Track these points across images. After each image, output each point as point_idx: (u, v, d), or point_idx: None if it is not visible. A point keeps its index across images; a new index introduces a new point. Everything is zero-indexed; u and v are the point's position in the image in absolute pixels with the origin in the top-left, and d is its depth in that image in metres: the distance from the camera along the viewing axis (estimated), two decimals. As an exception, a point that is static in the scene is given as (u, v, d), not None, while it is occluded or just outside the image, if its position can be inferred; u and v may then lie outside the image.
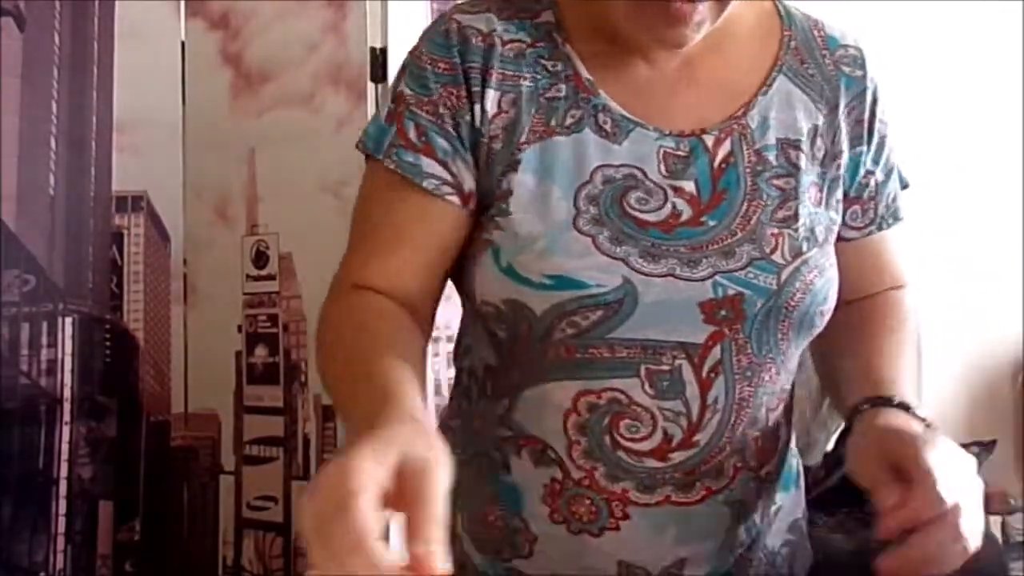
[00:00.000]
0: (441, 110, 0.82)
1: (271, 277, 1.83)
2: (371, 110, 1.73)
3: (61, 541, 1.66)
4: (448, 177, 0.82)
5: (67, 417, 1.68)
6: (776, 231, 0.82)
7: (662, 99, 0.85)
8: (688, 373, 0.81)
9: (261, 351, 1.84)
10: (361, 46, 1.74)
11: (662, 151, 0.83)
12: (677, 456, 0.82)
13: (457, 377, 0.94)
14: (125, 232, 1.81)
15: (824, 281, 0.84)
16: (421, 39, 0.86)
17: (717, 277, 0.80)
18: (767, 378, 0.84)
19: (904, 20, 2.86)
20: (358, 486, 0.55)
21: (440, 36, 0.84)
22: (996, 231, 2.92)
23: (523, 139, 0.82)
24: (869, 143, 0.90)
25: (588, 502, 0.84)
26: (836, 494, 2.53)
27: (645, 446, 0.82)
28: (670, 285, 0.80)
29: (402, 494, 0.58)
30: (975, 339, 2.93)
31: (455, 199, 0.82)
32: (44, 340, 1.65)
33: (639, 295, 0.79)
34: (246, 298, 1.85)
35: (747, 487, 0.86)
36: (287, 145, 1.80)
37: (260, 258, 1.84)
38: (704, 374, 0.81)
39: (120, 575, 1.77)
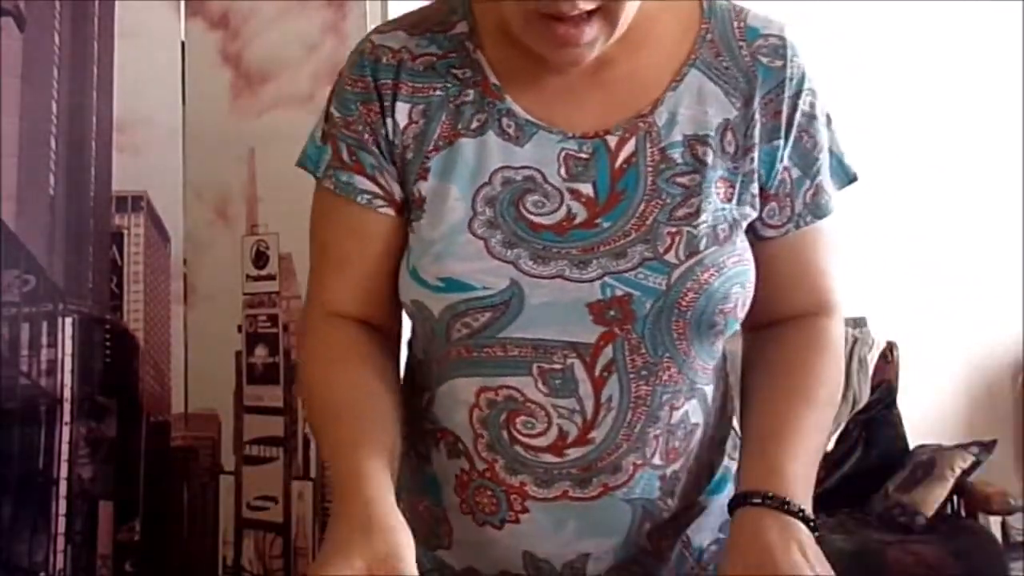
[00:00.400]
0: (362, 128, 0.88)
1: (271, 277, 1.83)
2: (371, 110, 1.73)
3: (61, 541, 1.66)
4: (379, 190, 0.88)
5: (67, 417, 1.67)
6: (674, 230, 0.83)
7: (569, 102, 0.86)
8: (580, 372, 0.84)
9: (261, 351, 1.84)
10: (361, 46, 1.74)
11: (563, 153, 0.85)
12: (573, 452, 0.85)
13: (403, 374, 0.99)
14: (125, 232, 1.81)
15: (723, 280, 0.83)
16: (347, 62, 0.92)
17: (606, 278, 0.82)
18: (666, 377, 0.85)
19: (904, 20, 2.86)
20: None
21: (357, 57, 0.90)
22: (996, 231, 2.92)
23: (431, 147, 0.86)
24: (787, 137, 0.88)
25: (490, 493, 0.88)
26: (836, 494, 2.54)
27: (541, 442, 0.85)
28: (557, 287, 0.82)
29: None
30: (975, 339, 2.93)
31: (389, 210, 0.88)
32: (44, 340, 1.65)
33: (526, 296, 0.82)
34: (246, 298, 1.85)
35: (650, 485, 0.88)
36: (287, 145, 1.78)
37: (260, 258, 1.84)
38: (597, 373, 0.84)
39: (120, 575, 1.77)
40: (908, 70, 2.87)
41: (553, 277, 0.82)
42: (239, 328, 1.85)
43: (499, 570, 0.91)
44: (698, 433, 0.91)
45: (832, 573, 0.76)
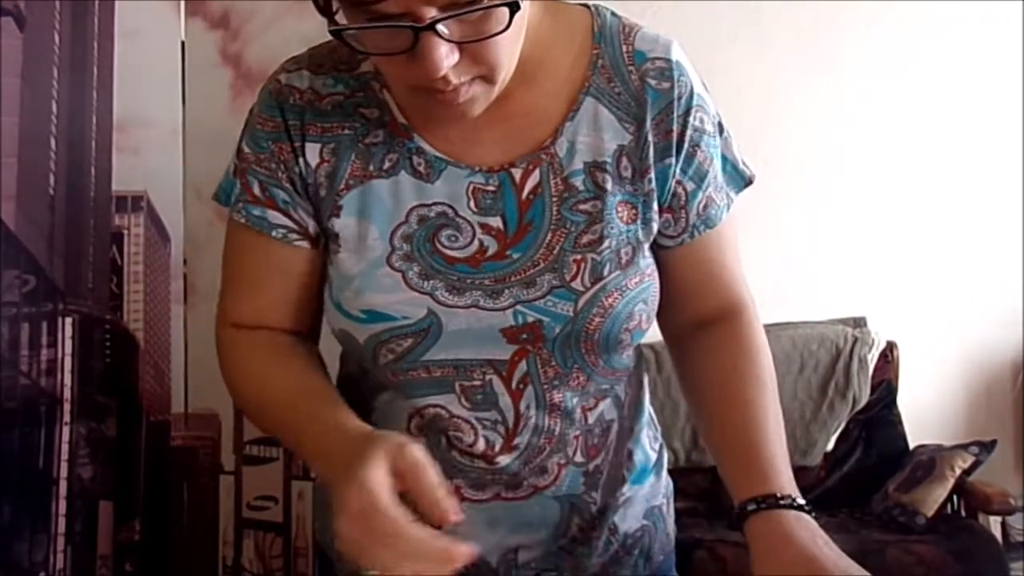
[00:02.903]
0: (274, 165, 0.90)
1: (271, 277, 1.83)
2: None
3: (61, 541, 1.66)
4: (293, 225, 0.90)
5: (67, 417, 1.67)
6: (579, 257, 0.86)
7: (472, 137, 0.87)
8: (499, 386, 0.89)
9: (261, 351, 1.84)
10: (361, 46, 1.74)
11: (472, 187, 0.87)
12: (502, 460, 0.90)
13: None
14: (125, 232, 1.81)
15: (626, 301, 0.87)
16: (257, 99, 0.94)
17: (518, 306, 0.86)
18: (575, 384, 0.90)
19: (903, 20, 2.86)
20: (378, 493, 0.70)
21: (267, 96, 0.93)
22: (996, 231, 2.92)
23: (343, 185, 0.88)
24: (678, 154, 0.89)
25: None
26: (836, 494, 2.54)
27: (474, 450, 0.90)
28: (472, 316, 0.86)
29: (402, 481, 0.72)
30: (975, 339, 2.93)
31: (304, 243, 0.91)
32: (44, 340, 1.65)
33: (443, 324, 0.86)
34: (246, 298, 1.85)
35: (575, 481, 0.93)
36: (287, 145, 1.80)
37: (260, 258, 1.84)
38: (514, 386, 0.89)
39: (120, 575, 1.77)
40: (908, 70, 2.87)
41: (468, 307, 0.86)
42: (239, 328, 1.85)
43: None
44: (614, 428, 0.96)
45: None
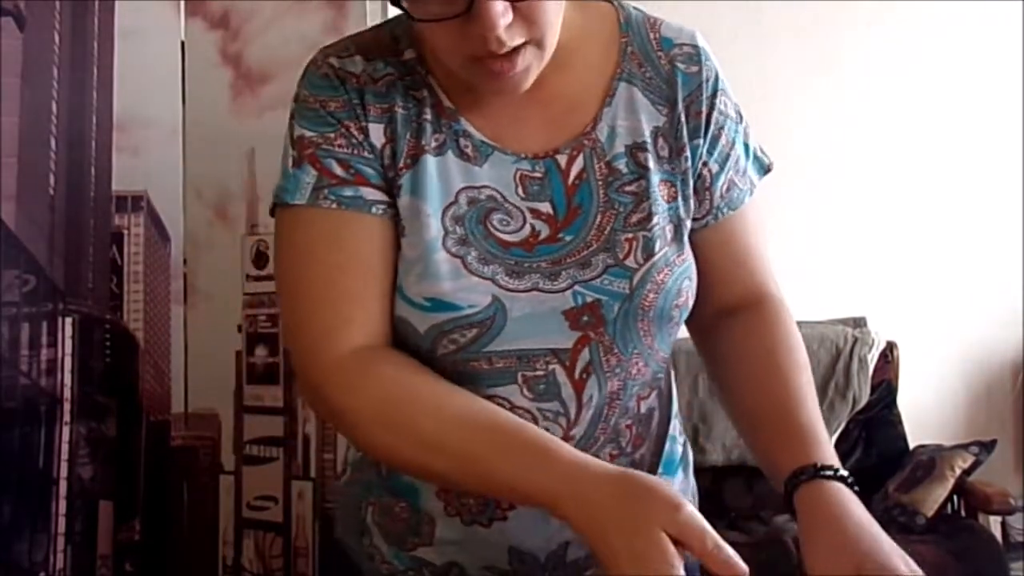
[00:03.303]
0: (354, 140, 0.86)
1: (271, 277, 1.83)
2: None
3: (61, 541, 1.66)
4: (387, 198, 0.87)
5: (67, 417, 1.67)
6: (630, 236, 0.88)
7: (514, 123, 0.89)
8: (562, 376, 0.88)
9: (261, 351, 1.84)
10: (361, 46, 1.74)
11: (519, 174, 0.88)
12: None
13: None
14: (125, 232, 1.81)
15: (675, 277, 0.88)
16: (301, 85, 0.90)
17: (576, 287, 0.87)
18: (635, 372, 0.90)
19: (903, 20, 2.86)
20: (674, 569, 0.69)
21: (321, 79, 0.88)
22: (996, 231, 2.92)
23: (401, 164, 0.87)
24: (705, 135, 0.92)
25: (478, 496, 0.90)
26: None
27: None
28: (534, 298, 0.86)
29: (683, 544, 0.71)
30: (975, 339, 2.93)
31: (398, 220, 0.87)
32: (44, 340, 1.65)
33: (508, 310, 0.85)
34: (246, 298, 1.85)
35: None
36: (287, 145, 1.80)
37: (260, 258, 1.84)
38: (576, 376, 0.88)
39: (120, 575, 1.77)
40: (908, 70, 2.87)
41: (529, 290, 0.86)
42: (239, 328, 1.86)
43: (484, 564, 0.93)
44: (655, 417, 0.97)
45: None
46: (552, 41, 0.82)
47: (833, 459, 0.82)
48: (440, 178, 0.87)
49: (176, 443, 1.87)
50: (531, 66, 0.82)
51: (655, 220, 0.88)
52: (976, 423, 2.88)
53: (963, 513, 2.49)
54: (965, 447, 2.52)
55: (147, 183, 1.83)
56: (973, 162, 2.89)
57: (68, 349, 1.68)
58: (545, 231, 0.88)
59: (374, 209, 0.86)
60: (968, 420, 2.90)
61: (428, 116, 0.88)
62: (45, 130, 1.67)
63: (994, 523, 2.62)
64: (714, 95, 0.92)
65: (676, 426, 1.03)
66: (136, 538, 1.79)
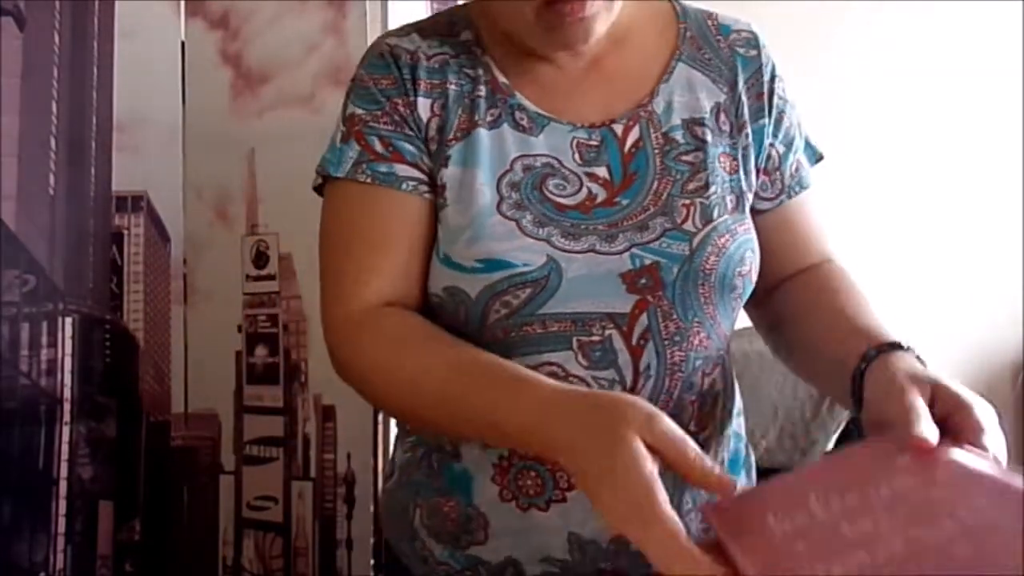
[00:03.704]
0: (396, 118, 0.90)
1: (271, 277, 1.83)
2: (371, 110, 1.73)
3: (61, 541, 1.66)
4: (422, 176, 0.90)
5: (67, 417, 1.67)
6: (687, 202, 0.88)
7: (571, 96, 0.91)
8: (618, 342, 0.86)
9: (261, 351, 1.84)
10: (361, 46, 1.73)
11: (575, 141, 0.90)
12: None
13: None
14: (125, 232, 1.81)
15: (737, 244, 0.88)
16: (360, 66, 0.94)
17: (633, 249, 0.86)
18: (697, 342, 0.89)
19: (902, 20, 2.86)
20: (651, 497, 0.65)
21: (376, 58, 0.93)
22: (996, 231, 2.92)
23: (451, 136, 0.90)
24: (769, 116, 0.95)
25: (534, 475, 0.88)
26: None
27: None
28: (591, 259, 0.85)
29: (660, 457, 0.67)
30: (975, 339, 2.93)
31: (430, 195, 0.90)
32: (44, 340, 1.65)
33: (563, 270, 0.84)
34: (246, 298, 1.85)
35: None
36: (287, 145, 1.80)
37: (260, 258, 1.84)
38: (634, 342, 0.86)
39: (120, 575, 1.77)
40: (909, 70, 2.87)
41: (586, 251, 0.85)
42: (239, 328, 1.85)
43: (541, 556, 0.90)
44: (719, 401, 0.94)
45: None
46: None
47: (892, 339, 0.80)
48: (494, 149, 0.89)
49: (176, 443, 1.87)
50: (599, 15, 0.84)
51: (712, 189, 0.89)
52: (976, 423, 2.87)
53: (963, 513, 2.49)
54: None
55: (147, 183, 1.83)
56: (973, 162, 2.89)
57: (68, 349, 1.68)
58: (602, 194, 0.88)
59: (404, 185, 0.89)
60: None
61: (482, 92, 0.91)
62: (45, 130, 1.67)
63: (994, 523, 2.62)
64: (773, 80, 0.96)
65: (740, 424, 1.00)
66: (136, 538, 1.79)
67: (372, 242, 0.90)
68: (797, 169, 0.98)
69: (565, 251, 0.85)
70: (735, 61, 0.95)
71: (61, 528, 1.66)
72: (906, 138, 2.84)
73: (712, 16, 0.98)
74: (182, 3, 1.88)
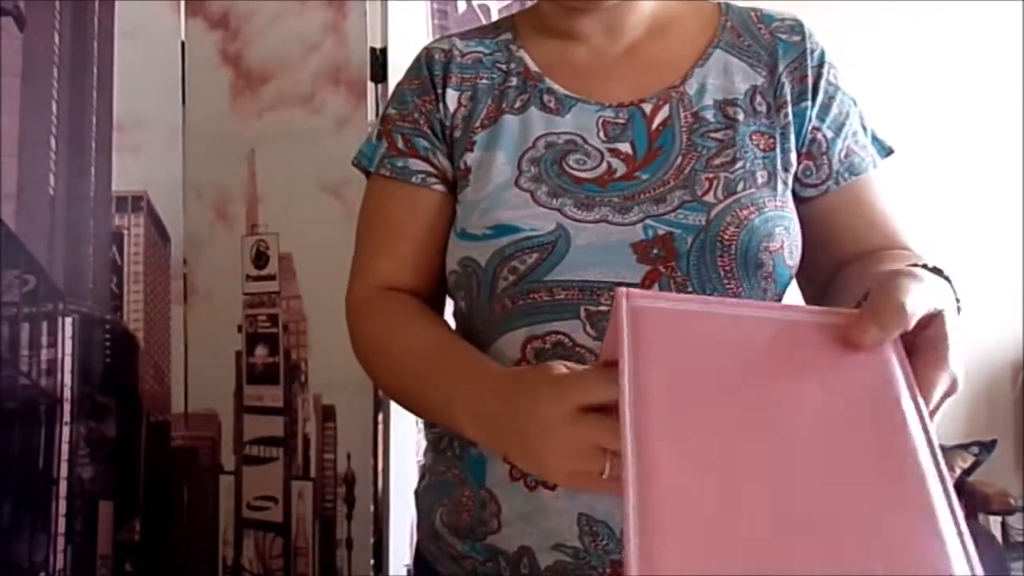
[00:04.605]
0: (417, 115, 0.96)
1: (271, 277, 1.83)
2: (371, 110, 1.73)
3: (61, 541, 1.66)
4: (432, 169, 0.95)
5: (67, 417, 1.67)
6: (711, 175, 0.87)
7: (603, 79, 0.93)
8: None
9: (261, 351, 1.84)
10: (361, 46, 1.74)
11: (601, 120, 0.91)
12: None
13: None
14: (125, 232, 1.81)
15: (764, 218, 0.85)
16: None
17: (647, 220, 0.85)
18: None
19: (901, 20, 2.86)
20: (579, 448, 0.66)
21: (413, 63, 1.01)
22: (996, 232, 2.92)
23: (477, 124, 0.94)
24: (814, 100, 0.93)
25: None
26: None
27: None
28: (602, 229, 0.85)
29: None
30: (975, 339, 2.93)
31: (441, 187, 0.95)
32: (44, 340, 1.65)
33: (572, 238, 0.85)
34: (246, 298, 1.85)
35: None
36: (287, 145, 1.80)
37: (260, 258, 1.84)
38: None
39: (120, 575, 1.77)
40: (909, 70, 2.87)
41: (597, 222, 0.85)
42: (239, 328, 1.85)
43: (553, 543, 0.88)
44: None
45: None
46: None
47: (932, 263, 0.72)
48: (520, 131, 0.92)
49: (176, 443, 1.87)
50: None
51: (739, 164, 0.87)
52: (976, 423, 2.88)
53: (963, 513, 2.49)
54: (965, 447, 2.52)
55: (147, 183, 1.83)
56: (973, 162, 2.89)
57: (68, 349, 1.68)
58: (622, 169, 0.89)
59: (415, 178, 0.95)
60: (968, 420, 2.90)
61: (513, 83, 0.95)
62: (45, 130, 1.67)
63: (994, 523, 2.62)
64: (820, 65, 0.94)
65: None
66: (136, 538, 1.79)
67: (383, 231, 0.96)
68: (847, 155, 0.93)
69: (576, 220, 0.85)
70: (776, 46, 0.94)
71: (61, 528, 1.66)
72: (906, 138, 2.84)
73: (756, 9, 0.98)
74: (182, 3, 1.88)
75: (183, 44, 1.87)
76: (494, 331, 0.89)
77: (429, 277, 0.96)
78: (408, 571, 1.77)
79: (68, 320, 1.69)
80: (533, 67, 0.96)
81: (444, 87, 0.96)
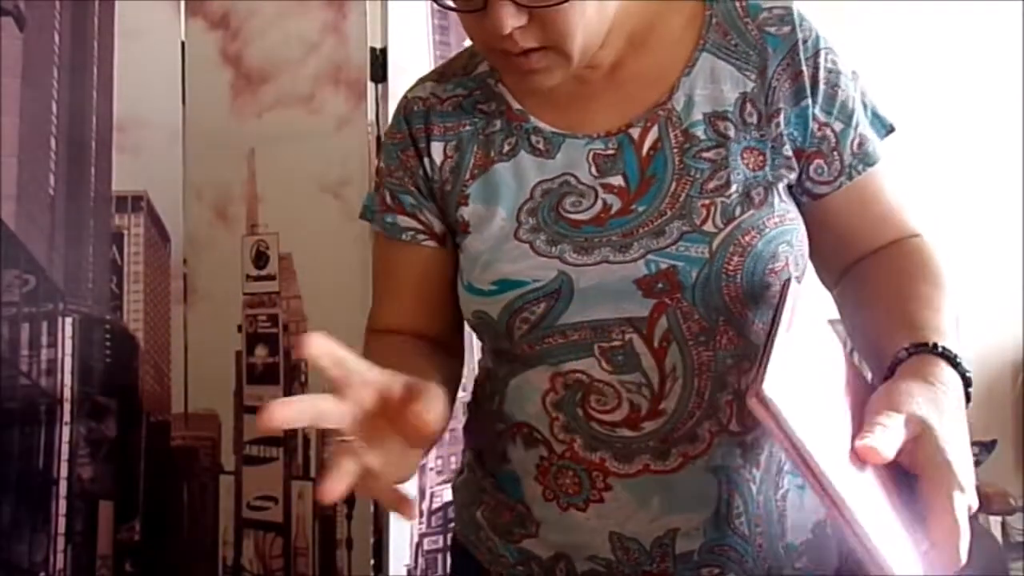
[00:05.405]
0: (401, 173, 0.96)
1: (271, 277, 1.83)
2: (371, 110, 1.73)
3: (61, 541, 1.66)
4: (419, 226, 0.96)
5: (67, 417, 1.67)
6: (707, 202, 0.85)
7: (588, 108, 0.90)
8: (640, 345, 0.85)
9: (261, 351, 1.84)
10: (361, 46, 1.74)
11: (592, 154, 0.89)
12: (648, 425, 0.86)
13: (472, 390, 1.03)
14: (125, 232, 1.81)
15: (766, 240, 0.84)
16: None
17: (648, 256, 0.84)
18: (725, 341, 0.86)
19: (904, 20, 2.86)
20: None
21: (395, 114, 0.99)
22: (996, 231, 2.92)
23: (468, 176, 0.92)
24: (815, 94, 0.88)
25: (572, 474, 0.89)
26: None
27: (615, 417, 0.86)
28: (604, 270, 0.85)
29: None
30: (975, 339, 2.93)
31: (431, 243, 0.96)
32: (44, 340, 1.65)
33: (575, 283, 0.85)
34: (246, 298, 1.85)
35: (730, 452, 0.87)
36: (287, 145, 1.80)
37: (260, 258, 1.84)
38: (656, 344, 0.85)
39: (120, 575, 1.77)
40: (909, 71, 2.87)
41: (598, 263, 0.85)
42: (239, 328, 1.85)
43: (587, 555, 0.90)
44: None
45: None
46: (576, 47, 0.82)
47: (935, 339, 0.74)
48: (515, 179, 0.90)
49: (176, 443, 1.87)
50: (552, 68, 0.83)
51: (733, 187, 0.85)
52: (976, 423, 2.87)
53: (963, 513, 2.49)
54: (965, 447, 2.51)
55: (147, 183, 1.83)
56: (973, 162, 2.89)
57: (68, 349, 1.69)
58: (617, 204, 0.87)
59: (404, 236, 0.96)
60: (968, 420, 2.90)
61: (498, 126, 0.93)
62: (45, 130, 1.68)
63: (994, 523, 2.62)
64: (816, 54, 0.88)
65: None
66: (136, 538, 1.79)
67: (383, 282, 1.01)
68: (860, 145, 0.90)
69: (576, 265, 0.85)
70: (765, 43, 0.88)
71: (61, 528, 1.66)
72: (906, 138, 2.83)
73: None
74: (182, 3, 1.88)
75: (183, 44, 1.87)
76: (518, 368, 0.91)
77: (435, 321, 0.98)
78: (408, 571, 1.77)
79: (68, 320, 1.69)
80: (515, 105, 0.93)
81: (428, 141, 0.94)
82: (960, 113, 2.87)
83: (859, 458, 0.64)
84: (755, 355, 0.87)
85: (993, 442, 2.52)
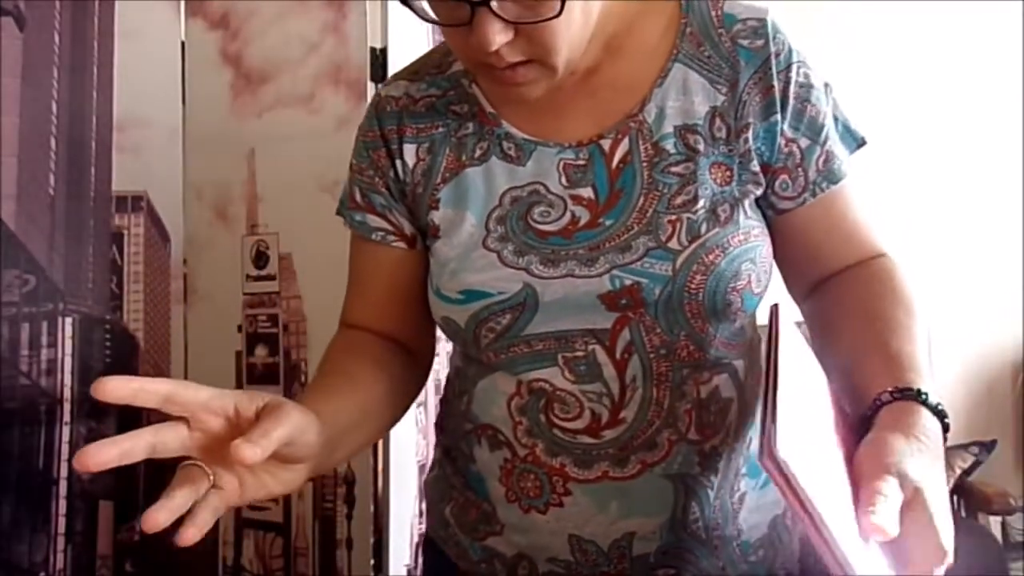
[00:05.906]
0: (372, 172, 0.96)
1: (271, 277, 1.83)
2: (371, 110, 1.73)
3: (61, 541, 1.66)
4: (389, 227, 0.96)
5: (67, 417, 1.67)
6: (673, 218, 0.85)
7: (560, 115, 0.90)
8: (602, 356, 0.87)
9: (261, 351, 1.84)
10: (361, 46, 1.74)
11: (562, 163, 0.89)
12: (608, 434, 0.88)
13: (444, 386, 1.05)
14: (125, 232, 1.81)
15: (730, 259, 0.84)
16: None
17: (614, 271, 0.85)
18: (685, 355, 0.87)
19: (900, 20, 2.86)
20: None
21: (368, 111, 0.98)
22: (996, 231, 2.92)
23: (439, 179, 0.92)
24: (784, 110, 0.88)
25: (533, 477, 0.91)
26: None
27: (577, 425, 0.88)
28: (568, 283, 0.86)
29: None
30: (975, 339, 2.93)
31: (400, 244, 0.96)
32: (44, 340, 1.65)
33: (540, 295, 0.86)
34: (246, 298, 1.85)
35: (688, 459, 0.89)
36: (287, 145, 1.80)
37: (260, 258, 1.84)
38: (617, 355, 0.87)
39: (120, 575, 1.77)
40: (909, 71, 2.87)
41: (564, 276, 0.86)
42: (239, 328, 1.86)
43: (547, 556, 0.92)
44: (733, 408, 0.91)
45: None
46: (565, 60, 0.82)
47: (917, 382, 0.76)
48: (484, 185, 0.90)
49: (176, 443, 1.86)
50: (538, 79, 0.83)
51: (701, 203, 0.85)
52: (976, 423, 2.88)
53: (963, 513, 2.49)
54: (965, 447, 2.52)
55: (147, 183, 1.83)
56: (973, 162, 2.89)
57: (68, 349, 1.68)
58: (585, 217, 0.87)
59: (374, 235, 0.96)
60: (968, 420, 2.90)
61: (470, 129, 0.92)
62: (45, 130, 1.68)
63: (994, 523, 2.62)
64: (788, 68, 0.87)
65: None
66: (136, 538, 1.79)
67: (354, 278, 1.00)
68: (826, 162, 0.89)
69: (542, 277, 0.86)
70: (737, 56, 0.87)
71: (61, 528, 1.66)
72: (906, 138, 2.84)
73: (718, 4, 0.90)
74: (182, 3, 1.88)
75: (183, 44, 1.87)
76: (485, 372, 0.93)
77: (402, 322, 0.98)
78: (408, 571, 1.77)
79: (68, 320, 1.69)
80: (488, 108, 0.92)
81: (400, 142, 0.94)
82: (960, 113, 2.87)
83: (865, 534, 0.65)
84: (713, 366, 0.89)
85: (993, 442, 2.53)
